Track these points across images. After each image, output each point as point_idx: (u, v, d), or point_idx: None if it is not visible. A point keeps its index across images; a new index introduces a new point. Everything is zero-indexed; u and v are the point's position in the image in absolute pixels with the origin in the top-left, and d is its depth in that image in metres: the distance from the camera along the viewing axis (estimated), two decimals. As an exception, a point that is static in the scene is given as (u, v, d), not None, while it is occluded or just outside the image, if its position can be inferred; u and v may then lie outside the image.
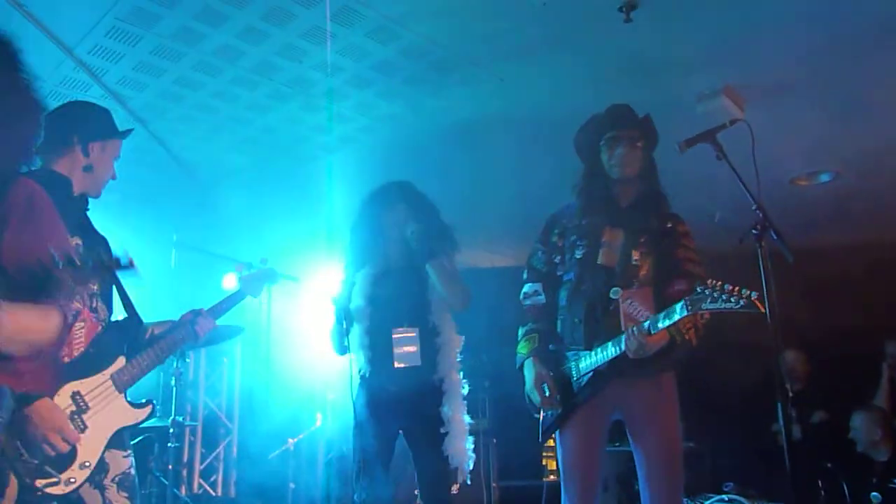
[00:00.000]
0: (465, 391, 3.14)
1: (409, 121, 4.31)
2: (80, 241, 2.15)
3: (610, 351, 2.52)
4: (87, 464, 2.03)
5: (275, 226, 5.42)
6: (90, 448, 2.05)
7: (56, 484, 1.95)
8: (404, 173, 4.80)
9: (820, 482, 4.47)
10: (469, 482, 3.13)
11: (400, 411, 3.03)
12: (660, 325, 2.38)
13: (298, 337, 5.69)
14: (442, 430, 3.00)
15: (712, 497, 3.79)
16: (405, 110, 4.20)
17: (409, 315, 3.08)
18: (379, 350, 3.06)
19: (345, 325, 3.04)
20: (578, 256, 2.71)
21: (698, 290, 2.27)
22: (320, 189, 5.11)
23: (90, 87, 3.80)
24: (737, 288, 2.19)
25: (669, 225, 2.71)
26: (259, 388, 6.09)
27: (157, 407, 5.04)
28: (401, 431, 3.10)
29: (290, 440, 5.62)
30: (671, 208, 2.76)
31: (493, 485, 5.16)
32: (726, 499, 3.71)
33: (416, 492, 3.38)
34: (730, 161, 2.29)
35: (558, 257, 2.79)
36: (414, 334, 3.05)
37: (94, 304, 2.18)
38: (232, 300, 2.55)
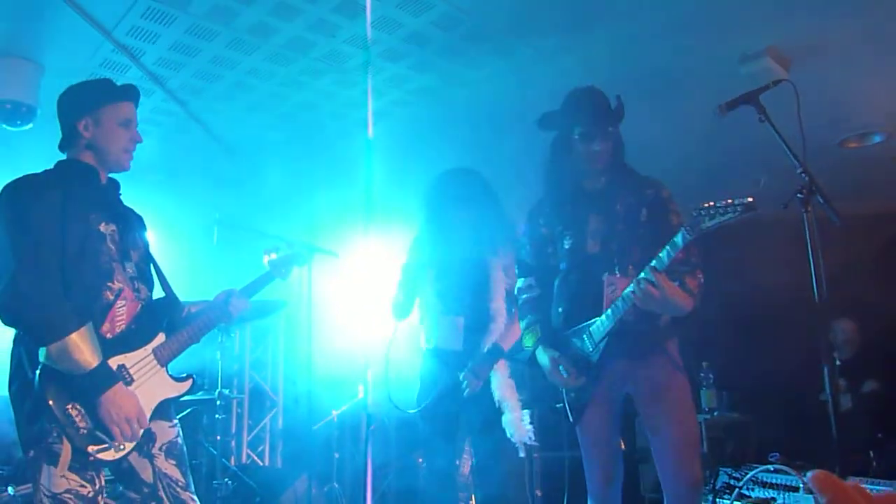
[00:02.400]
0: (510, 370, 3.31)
1: (443, 93, 4.27)
2: (115, 228, 2.22)
3: (619, 306, 2.45)
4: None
5: (314, 201, 5.46)
6: None
7: (107, 449, 2.03)
8: (439, 146, 4.81)
9: (871, 453, 4.37)
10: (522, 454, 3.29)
11: (454, 391, 3.25)
12: (664, 258, 2.29)
13: (339, 310, 5.76)
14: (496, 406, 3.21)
15: (758, 467, 3.73)
16: (438, 83, 4.16)
17: (461, 303, 3.28)
18: (435, 332, 3.34)
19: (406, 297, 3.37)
20: (567, 247, 2.70)
21: (693, 213, 2.21)
22: (357, 164, 5.12)
23: (129, 69, 3.86)
24: (730, 199, 2.16)
25: (650, 191, 2.64)
26: (302, 360, 6.19)
27: (204, 381, 5.20)
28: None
29: (334, 411, 5.72)
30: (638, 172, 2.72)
31: (535, 455, 5.18)
32: (772, 468, 3.65)
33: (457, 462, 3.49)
34: (773, 123, 2.20)
35: (550, 248, 2.78)
36: (459, 322, 3.29)
37: (135, 284, 2.24)
38: (262, 281, 2.59)
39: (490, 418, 3.20)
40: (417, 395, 3.41)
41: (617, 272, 2.57)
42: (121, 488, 2.25)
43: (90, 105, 2.26)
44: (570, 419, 2.69)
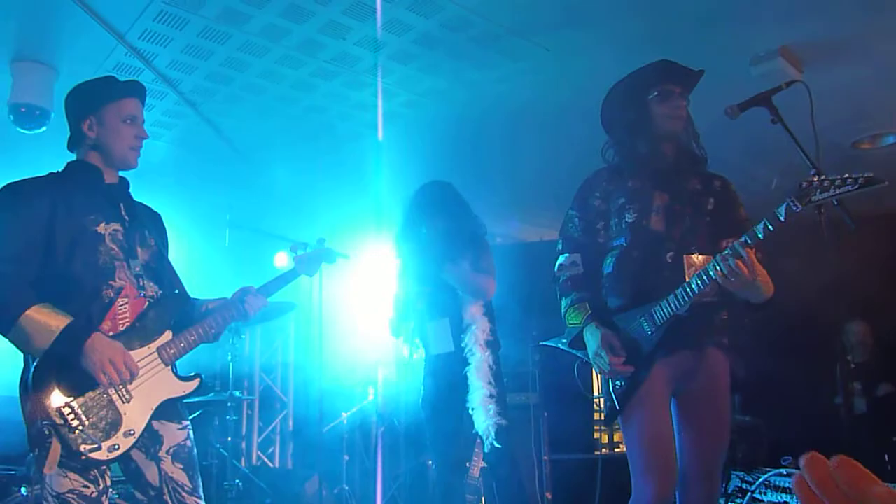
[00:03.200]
0: (493, 366, 3.51)
1: (452, 95, 4.28)
2: (118, 227, 2.21)
3: (697, 286, 2.19)
4: (132, 432, 2.07)
5: (323, 203, 5.48)
6: (135, 417, 2.09)
7: (98, 450, 1.99)
8: (448, 148, 4.82)
9: (886, 456, 4.33)
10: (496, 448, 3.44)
11: (445, 388, 3.53)
12: (760, 232, 2.06)
13: (349, 312, 5.78)
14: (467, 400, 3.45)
15: (770, 471, 3.71)
16: (448, 84, 4.16)
17: (442, 307, 3.57)
18: (424, 339, 3.63)
19: (400, 317, 3.73)
20: (630, 220, 2.45)
21: (803, 185, 1.99)
22: (366, 166, 5.14)
23: (142, 72, 3.88)
24: (845, 174, 1.96)
25: (718, 183, 2.51)
26: (312, 363, 6.22)
27: (216, 383, 5.21)
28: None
29: (343, 414, 5.74)
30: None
31: (545, 458, 5.17)
32: (784, 472, 3.62)
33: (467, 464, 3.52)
34: (786, 125, 2.18)
35: (601, 223, 2.54)
36: (446, 324, 3.55)
37: (140, 282, 2.21)
38: (285, 279, 2.54)
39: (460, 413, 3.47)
40: (422, 400, 3.64)
41: (696, 252, 2.36)
42: (130, 489, 2.25)
43: (93, 104, 2.25)
44: (616, 410, 2.39)
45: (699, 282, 2.18)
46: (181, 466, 2.19)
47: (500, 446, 3.37)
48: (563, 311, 2.55)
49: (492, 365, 3.47)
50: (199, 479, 2.24)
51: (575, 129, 4.38)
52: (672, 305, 2.25)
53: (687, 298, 2.21)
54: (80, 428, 1.97)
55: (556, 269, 2.61)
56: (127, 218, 2.25)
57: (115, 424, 2.04)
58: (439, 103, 4.38)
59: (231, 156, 5.04)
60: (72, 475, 1.99)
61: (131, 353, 2.12)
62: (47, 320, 1.97)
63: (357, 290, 5.66)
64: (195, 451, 2.27)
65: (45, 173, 2.23)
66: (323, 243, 2.74)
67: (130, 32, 3.53)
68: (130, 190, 2.38)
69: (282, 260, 6.59)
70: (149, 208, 2.46)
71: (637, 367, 2.33)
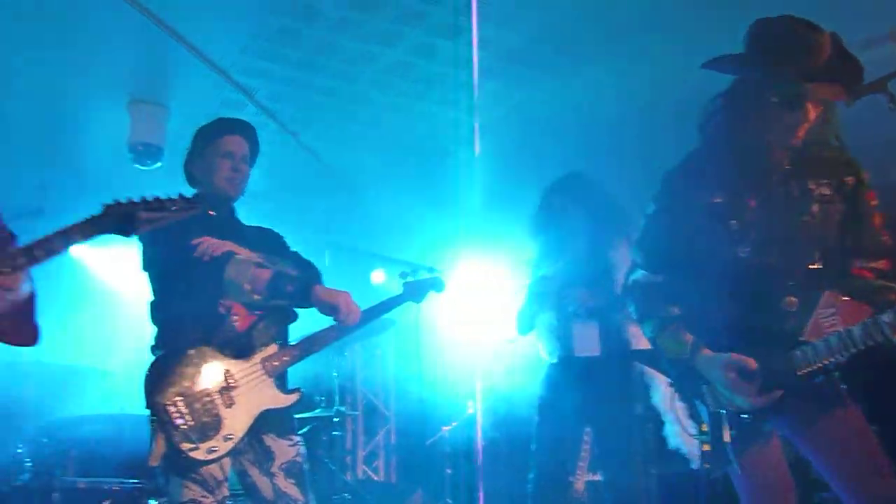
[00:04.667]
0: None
1: (542, 106, 4.27)
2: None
3: (867, 338, 1.76)
4: (231, 436, 2.16)
5: (417, 219, 5.58)
6: (235, 423, 2.18)
7: (196, 450, 2.10)
8: (541, 159, 4.79)
9: None
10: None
11: (585, 398, 3.07)
12: None
13: (447, 326, 5.82)
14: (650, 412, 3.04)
15: None
16: (537, 95, 4.16)
17: (591, 304, 3.13)
18: (563, 335, 3.17)
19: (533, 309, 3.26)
20: (751, 222, 1.99)
21: None
22: (458, 181, 5.20)
23: (245, 106, 4.12)
24: None
25: (849, 178, 1.99)
26: (411, 378, 6.31)
27: (322, 399, 5.37)
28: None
29: (444, 428, 5.77)
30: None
31: (652, 471, 4.99)
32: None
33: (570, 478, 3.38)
34: (904, 110, 1.93)
35: (707, 224, 2.04)
36: (594, 326, 3.15)
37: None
38: (392, 302, 2.60)
39: (626, 426, 3.04)
40: (539, 406, 3.25)
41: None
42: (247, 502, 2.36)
43: (198, 146, 2.49)
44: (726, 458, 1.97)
45: (874, 335, 1.76)
46: (293, 482, 2.28)
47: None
48: (646, 331, 2.17)
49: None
50: (311, 494, 2.32)
51: (673, 134, 4.27)
52: (829, 347, 1.85)
53: (851, 348, 1.81)
54: (183, 427, 2.10)
55: (630, 282, 2.28)
56: (232, 241, 2.36)
57: (215, 428, 2.15)
58: (529, 115, 4.38)
59: (329, 179, 5.24)
60: (191, 486, 2.12)
61: (237, 361, 2.24)
62: None
63: (455, 304, 5.69)
64: (307, 466, 2.36)
65: None
66: (433, 272, 2.77)
67: (234, 69, 3.75)
68: (239, 216, 2.55)
69: (378, 277, 6.75)
70: (263, 230, 2.60)
71: (771, 402, 1.91)
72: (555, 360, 3.22)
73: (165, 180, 4.31)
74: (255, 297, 2.24)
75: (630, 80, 3.94)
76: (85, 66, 3.61)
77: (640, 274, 2.17)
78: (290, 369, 2.42)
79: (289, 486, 2.27)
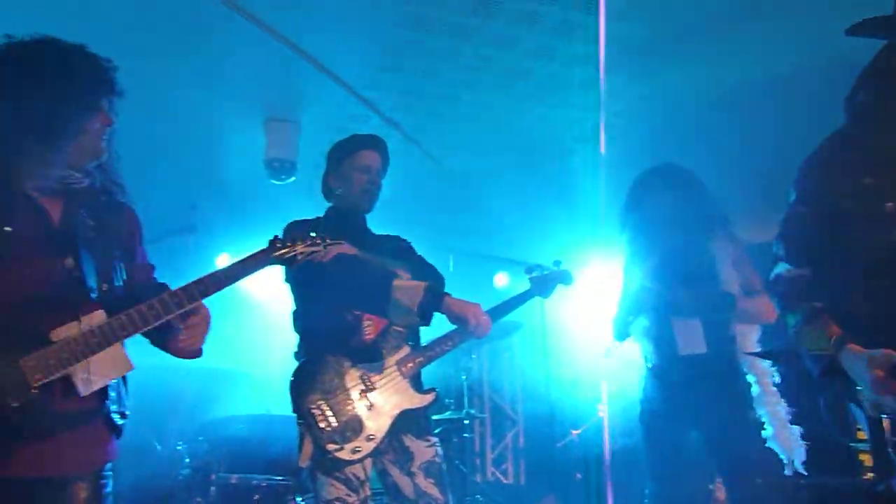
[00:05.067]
0: (777, 379, 2.90)
1: (662, 98, 4.11)
2: None
3: None
4: (372, 437, 2.26)
5: (539, 221, 5.54)
6: (376, 424, 2.28)
7: (341, 450, 2.21)
8: (663, 152, 4.61)
9: None
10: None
11: (692, 401, 2.89)
12: None
13: (574, 329, 5.74)
14: (756, 417, 2.85)
15: None
16: (657, 88, 4.02)
17: (693, 301, 2.94)
18: (663, 336, 2.99)
19: (629, 313, 3.10)
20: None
21: None
22: (579, 180, 5.11)
23: (370, 118, 4.27)
24: None
25: None
26: (539, 380, 6.26)
27: (451, 402, 5.45)
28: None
29: (573, 431, 5.69)
30: None
31: (801, 481, 4.65)
32: None
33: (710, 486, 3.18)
34: None
35: (855, 211, 1.85)
36: (696, 321, 2.94)
37: None
38: (519, 300, 2.62)
39: (744, 431, 2.82)
40: (643, 415, 3.07)
41: None
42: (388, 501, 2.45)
43: (335, 160, 2.62)
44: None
45: None
46: (433, 481, 2.35)
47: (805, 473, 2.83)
48: (789, 323, 1.99)
49: (777, 380, 2.90)
50: (450, 494, 2.38)
51: (805, 118, 3.98)
52: None
53: None
54: (328, 429, 2.22)
55: (773, 277, 2.09)
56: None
57: (357, 429, 2.26)
58: (649, 108, 4.24)
59: (451, 185, 5.32)
60: (337, 484, 2.23)
61: (373, 364, 2.35)
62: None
63: (581, 305, 5.60)
64: (444, 466, 2.42)
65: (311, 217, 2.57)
66: (559, 265, 2.75)
67: (358, 83, 3.91)
68: (370, 225, 2.66)
69: (501, 280, 6.77)
70: (394, 238, 2.70)
71: None
72: (656, 364, 3.03)
73: (299, 195, 4.57)
74: (416, 319, 2.28)
75: (753, 61, 3.71)
76: (225, 89, 3.89)
77: (783, 268, 2.00)
78: (421, 371, 2.49)
79: (429, 486, 2.33)
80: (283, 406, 2.55)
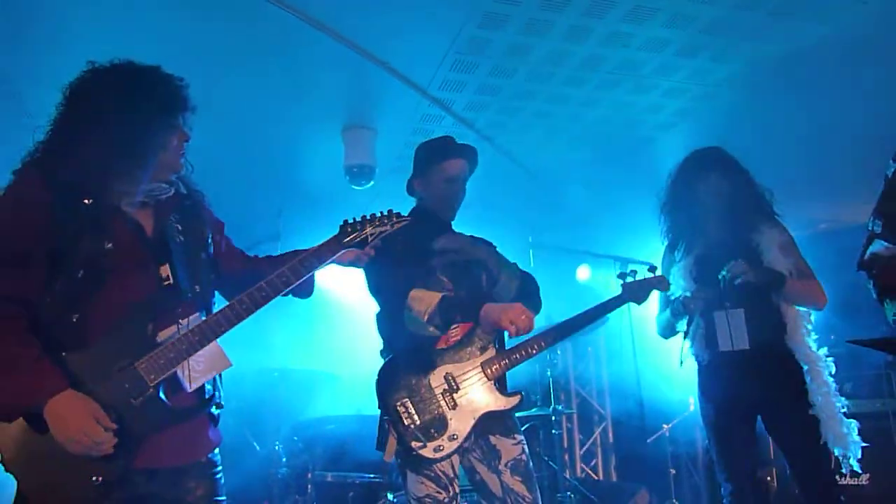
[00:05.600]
0: (832, 369, 2.79)
1: (750, 77, 3.94)
2: (445, 262, 2.48)
3: None
4: (455, 437, 2.26)
5: (617, 212, 5.43)
6: (459, 424, 2.29)
7: (424, 448, 2.24)
8: (751, 134, 4.42)
9: None
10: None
11: (746, 395, 2.81)
12: None
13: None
14: (811, 413, 2.71)
15: None
16: (746, 66, 3.85)
17: (736, 292, 2.81)
18: (709, 332, 2.91)
19: (669, 310, 3.01)
20: None
21: None
22: (661, 168, 4.97)
23: (443, 119, 4.30)
24: None
25: None
26: (627, 374, 6.14)
27: (538, 397, 5.42)
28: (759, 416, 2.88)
29: (665, 426, 5.55)
30: None
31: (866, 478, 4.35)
32: None
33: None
34: None
35: None
36: (739, 315, 2.84)
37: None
38: (611, 304, 2.55)
39: (803, 423, 2.72)
40: (706, 416, 2.95)
41: None
42: (477, 498, 2.47)
43: (423, 166, 2.62)
44: None
45: None
46: (520, 479, 2.34)
47: (859, 470, 2.74)
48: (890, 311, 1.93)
49: (832, 369, 2.78)
50: (538, 492, 2.37)
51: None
52: None
53: None
54: (412, 426, 2.25)
55: (867, 256, 2.03)
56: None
57: (440, 428, 2.27)
58: (737, 89, 4.07)
59: (527, 180, 5.28)
60: (426, 482, 2.27)
61: (459, 365, 2.34)
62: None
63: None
64: (531, 464, 2.41)
65: None
66: (655, 270, 2.66)
67: (431, 85, 3.94)
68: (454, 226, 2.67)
69: (583, 274, 6.67)
70: (479, 239, 2.70)
71: None
72: (706, 361, 2.93)
73: (379, 198, 4.65)
74: (433, 329, 2.31)
75: (860, 31, 3.50)
76: (304, 99, 4.01)
77: (880, 246, 1.92)
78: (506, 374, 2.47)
79: (516, 483, 2.34)
80: (372, 407, 2.61)
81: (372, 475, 3.91)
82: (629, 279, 2.62)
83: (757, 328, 2.80)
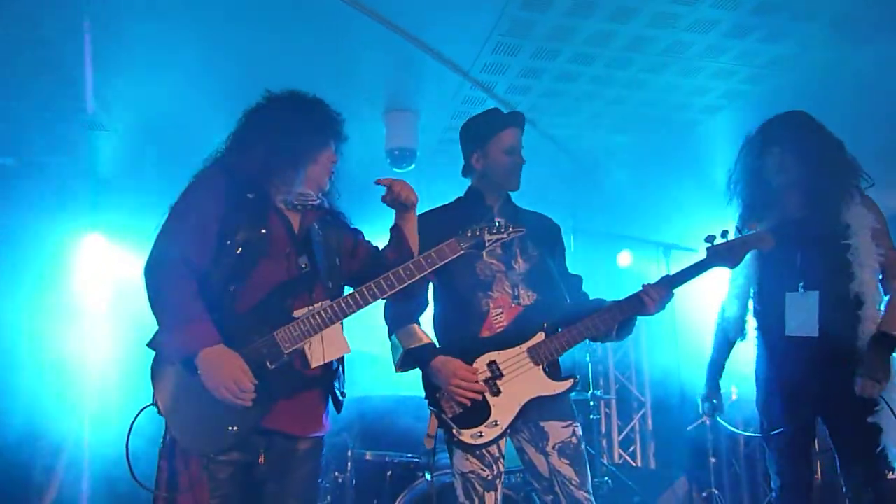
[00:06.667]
0: None
1: (802, 59, 3.82)
2: (496, 244, 2.40)
3: None
4: (496, 423, 2.28)
5: (664, 196, 5.33)
6: (502, 410, 2.29)
7: (462, 434, 2.27)
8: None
9: None
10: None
11: (805, 389, 2.59)
12: None
13: (701, 306, 5.50)
14: (869, 419, 2.46)
15: None
16: (796, 49, 3.73)
17: (810, 274, 2.59)
18: (771, 317, 2.69)
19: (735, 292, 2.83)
20: None
21: None
22: (707, 152, 4.87)
23: (485, 101, 4.28)
24: None
25: None
26: (667, 360, 6.06)
27: (577, 383, 5.41)
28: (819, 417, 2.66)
29: (705, 415, 5.47)
30: None
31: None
32: None
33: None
34: None
35: None
36: (813, 299, 2.57)
37: (516, 291, 2.43)
38: (697, 269, 2.34)
39: (864, 434, 2.47)
40: (761, 402, 2.79)
41: None
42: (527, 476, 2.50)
43: (479, 140, 2.55)
44: None
45: None
46: (567, 462, 2.34)
47: None
48: None
49: None
50: (587, 475, 2.35)
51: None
52: None
53: None
54: (451, 414, 2.29)
55: None
56: (506, 234, 2.37)
57: (481, 415, 2.29)
58: (787, 71, 3.94)
59: (569, 164, 5.23)
60: (472, 459, 2.30)
61: (503, 352, 2.33)
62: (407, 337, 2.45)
63: (709, 282, 5.35)
64: (582, 447, 2.38)
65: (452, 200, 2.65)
66: (743, 231, 2.43)
67: (473, 68, 3.92)
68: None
69: (625, 259, 6.59)
70: (542, 218, 2.67)
71: None
72: (768, 343, 2.73)
73: (420, 181, 4.64)
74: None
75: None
76: (346, 82, 4.03)
77: None
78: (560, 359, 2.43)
79: (563, 465, 2.33)
80: (411, 387, 2.63)
81: (410, 454, 3.97)
82: (716, 241, 2.33)
83: (828, 315, 2.54)
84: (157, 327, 2.04)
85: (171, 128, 4.34)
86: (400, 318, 2.47)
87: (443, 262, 2.16)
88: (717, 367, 3.04)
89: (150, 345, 2.05)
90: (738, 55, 3.81)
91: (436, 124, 4.63)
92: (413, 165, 4.55)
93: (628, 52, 3.76)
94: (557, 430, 2.37)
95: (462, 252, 2.17)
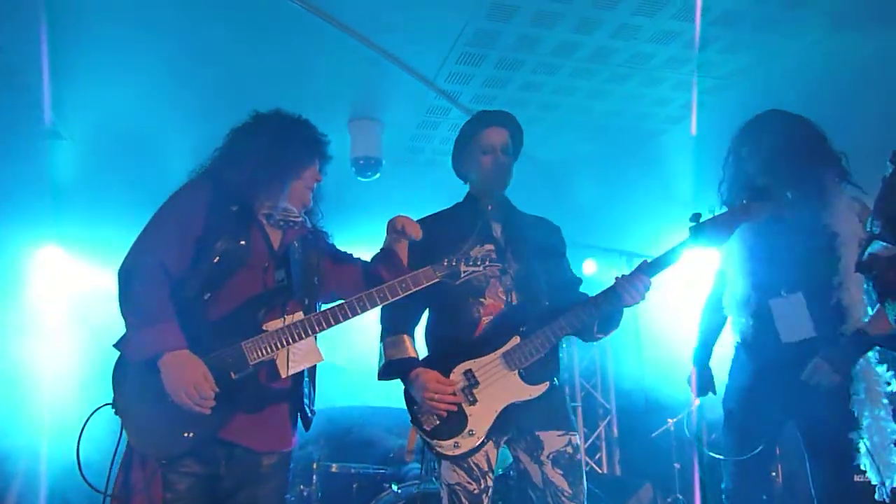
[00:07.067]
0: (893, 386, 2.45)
1: (761, 70, 3.91)
2: (490, 247, 2.40)
3: None
4: (473, 432, 2.24)
5: (628, 205, 5.41)
6: (478, 419, 2.26)
7: (440, 445, 2.25)
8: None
9: None
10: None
11: (789, 395, 2.53)
12: None
13: (667, 314, 5.57)
14: (850, 435, 2.42)
15: None
16: (756, 60, 3.82)
17: (795, 273, 2.55)
18: (761, 317, 2.63)
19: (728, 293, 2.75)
20: None
21: None
22: (670, 162, 4.95)
23: (450, 111, 4.29)
24: None
25: None
26: (631, 368, 6.13)
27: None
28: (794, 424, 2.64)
29: (669, 420, 5.53)
30: None
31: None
32: None
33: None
34: None
35: None
36: (799, 300, 2.53)
37: (510, 296, 2.38)
38: (676, 250, 2.22)
39: (838, 442, 2.44)
40: (728, 399, 2.76)
41: None
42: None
43: (461, 144, 2.54)
44: None
45: None
46: (560, 472, 2.29)
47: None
48: None
49: (888, 380, 2.45)
50: (581, 487, 2.29)
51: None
52: None
53: None
54: (428, 427, 2.27)
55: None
56: (499, 237, 2.40)
57: (459, 425, 2.26)
58: (746, 82, 4.03)
59: (534, 172, 5.26)
60: (459, 471, 2.26)
61: (479, 359, 2.30)
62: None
63: (673, 288, 5.43)
64: (578, 457, 2.34)
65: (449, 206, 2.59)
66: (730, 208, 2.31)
67: (438, 77, 3.93)
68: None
69: (590, 268, 6.65)
70: (540, 221, 2.61)
71: None
72: (750, 340, 2.66)
73: (386, 191, 4.63)
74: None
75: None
76: (310, 90, 3.99)
77: (878, 247, 1.84)
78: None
79: (556, 476, 2.28)
80: (378, 398, 2.61)
81: (377, 466, 3.93)
82: (701, 219, 2.20)
83: (816, 315, 2.49)
84: (119, 335, 2.03)
85: (129, 136, 4.24)
86: (393, 326, 2.42)
87: (416, 289, 2.16)
88: (706, 349, 2.96)
89: (117, 345, 2.05)
90: (698, 66, 3.89)
91: (401, 133, 4.62)
92: (378, 175, 4.52)
93: (592, 62, 3.81)
94: (553, 440, 2.32)
95: (437, 280, 2.18)
